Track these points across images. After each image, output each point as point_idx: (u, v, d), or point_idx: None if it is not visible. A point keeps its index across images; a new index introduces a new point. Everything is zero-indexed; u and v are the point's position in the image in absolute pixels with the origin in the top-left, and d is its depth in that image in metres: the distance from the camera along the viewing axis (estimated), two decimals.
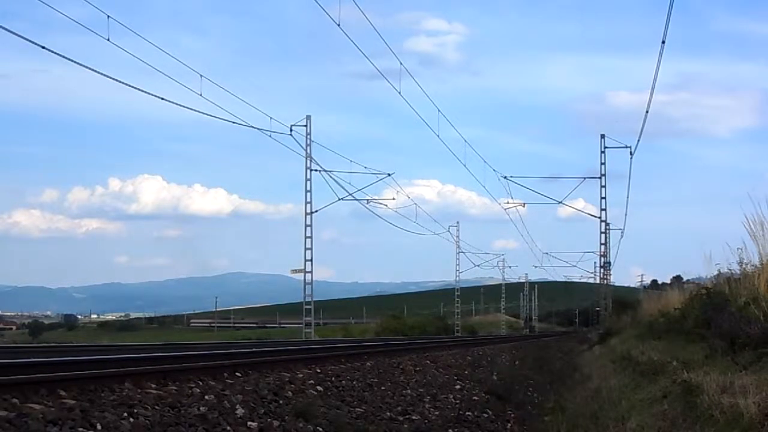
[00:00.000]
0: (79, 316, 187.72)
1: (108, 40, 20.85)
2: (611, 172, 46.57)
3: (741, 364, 8.55)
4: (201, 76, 26.55)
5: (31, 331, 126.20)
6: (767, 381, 7.00)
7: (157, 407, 7.90)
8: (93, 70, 21.45)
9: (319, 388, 11.36)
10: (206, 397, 8.87)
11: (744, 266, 12.70)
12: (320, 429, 8.87)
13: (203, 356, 13.44)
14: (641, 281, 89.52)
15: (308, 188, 43.16)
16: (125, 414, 7.33)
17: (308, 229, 43.44)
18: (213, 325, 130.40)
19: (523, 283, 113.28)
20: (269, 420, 8.57)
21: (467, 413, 11.99)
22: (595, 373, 18.29)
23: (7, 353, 13.87)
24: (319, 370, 13.18)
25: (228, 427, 7.86)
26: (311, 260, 43.65)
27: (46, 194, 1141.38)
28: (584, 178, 47.22)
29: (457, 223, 77.86)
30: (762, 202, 11.46)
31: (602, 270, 51.19)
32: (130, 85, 23.25)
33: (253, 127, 34.34)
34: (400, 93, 28.03)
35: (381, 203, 47.23)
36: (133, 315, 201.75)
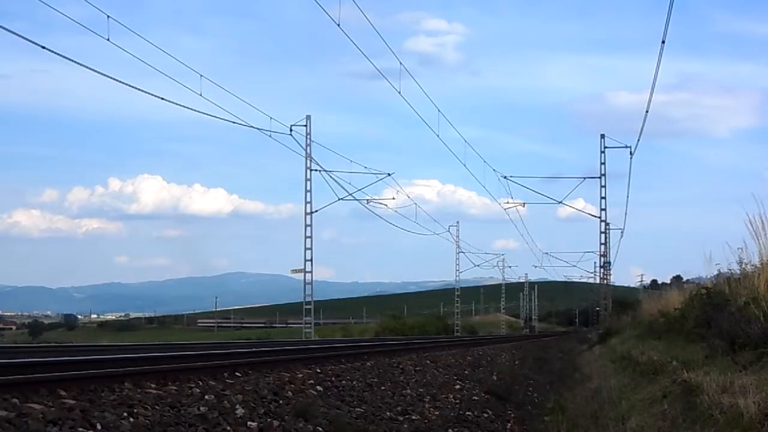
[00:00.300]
0: (79, 316, 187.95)
1: (108, 40, 20.87)
2: (611, 172, 46.66)
3: (741, 364, 8.55)
4: (201, 76, 26.62)
5: (31, 331, 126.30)
6: (767, 381, 7.01)
7: (157, 407, 7.90)
8: (93, 70, 21.49)
9: (319, 388, 11.36)
10: (206, 397, 8.86)
11: (744, 266, 12.73)
12: (320, 429, 8.87)
13: (203, 356, 13.42)
14: (641, 281, 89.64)
15: (308, 188, 43.20)
16: (125, 414, 7.33)
17: (308, 229, 43.49)
18: (221, 324, 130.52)
19: (523, 283, 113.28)
20: (269, 420, 8.56)
21: (467, 413, 11.99)
22: (595, 373, 18.30)
23: (7, 353, 13.86)
24: (319, 370, 13.17)
25: (228, 427, 7.85)
26: (311, 260, 43.73)
27: (46, 194, 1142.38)
28: (584, 178, 47.29)
29: (457, 223, 78.02)
30: (765, 201, 11.49)
31: (602, 270, 51.21)
32: (130, 85, 23.30)
33: (253, 127, 34.42)
34: (400, 93, 28.06)
35: (381, 203, 47.31)
36: (133, 315, 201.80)
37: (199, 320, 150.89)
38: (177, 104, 26.72)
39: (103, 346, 23.09)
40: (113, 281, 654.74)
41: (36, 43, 19.33)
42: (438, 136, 34.29)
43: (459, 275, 77.88)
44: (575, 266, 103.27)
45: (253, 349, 16.75)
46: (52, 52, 19.74)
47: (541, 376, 20.27)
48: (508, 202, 48.48)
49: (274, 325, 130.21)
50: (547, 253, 73.84)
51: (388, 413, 10.77)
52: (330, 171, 42.64)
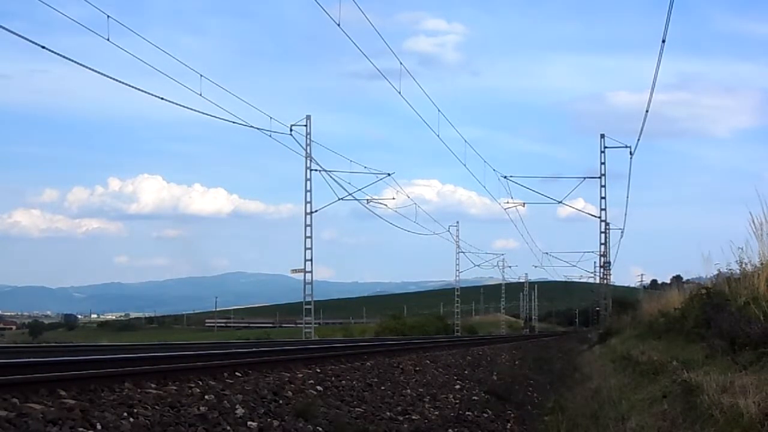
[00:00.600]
0: (79, 316, 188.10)
1: (108, 40, 20.87)
2: (611, 172, 46.65)
3: (741, 364, 8.55)
4: (201, 76, 26.64)
5: (31, 331, 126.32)
6: (767, 381, 7.00)
7: (157, 407, 7.89)
8: (93, 70, 21.48)
9: (318, 387, 11.35)
10: (206, 397, 8.86)
11: (744, 266, 12.73)
12: (320, 429, 8.87)
13: (203, 356, 13.42)
14: (641, 281, 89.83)
15: (308, 188, 43.23)
16: (125, 414, 7.32)
17: (308, 229, 43.51)
18: (229, 324, 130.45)
19: (523, 283, 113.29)
20: (269, 420, 8.56)
21: (467, 413, 11.98)
22: (595, 373, 18.31)
23: (7, 353, 13.86)
24: (318, 370, 13.17)
25: (228, 427, 7.85)
26: (311, 260, 43.79)
27: (46, 194, 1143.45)
28: (584, 178, 47.30)
29: (457, 223, 78.12)
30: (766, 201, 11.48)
31: (602, 270, 51.24)
32: (130, 85, 23.30)
33: (253, 127, 34.47)
34: (400, 93, 28.04)
35: (381, 203, 47.38)
36: (133, 315, 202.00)
37: (207, 321, 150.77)
38: (177, 104, 26.77)
39: (103, 346, 23.09)
40: (113, 281, 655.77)
41: (36, 43, 19.35)
42: (438, 136, 34.32)
43: (459, 275, 78.04)
44: (575, 266, 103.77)
45: (253, 349, 16.75)
46: (52, 52, 19.76)
47: (541, 376, 20.27)
48: (508, 202, 48.54)
49: (283, 325, 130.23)
50: (547, 253, 73.97)
51: (388, 413, 10.77)
52: (330, 171, 42.72)
